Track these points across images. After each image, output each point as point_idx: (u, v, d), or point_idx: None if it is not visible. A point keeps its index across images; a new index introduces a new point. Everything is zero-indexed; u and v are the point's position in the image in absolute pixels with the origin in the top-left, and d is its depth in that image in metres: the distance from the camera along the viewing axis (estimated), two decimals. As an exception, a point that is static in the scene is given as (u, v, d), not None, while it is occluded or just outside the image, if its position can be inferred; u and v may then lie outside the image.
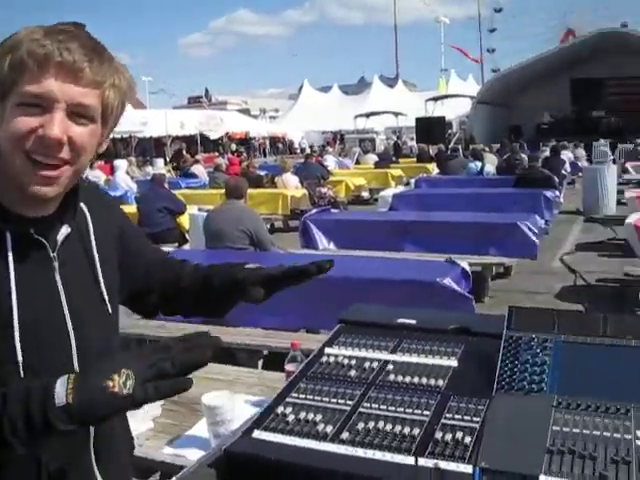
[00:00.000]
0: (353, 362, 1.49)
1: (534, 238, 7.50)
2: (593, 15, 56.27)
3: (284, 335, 4.62)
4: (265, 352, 4.62)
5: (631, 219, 7.30)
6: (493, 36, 59.20)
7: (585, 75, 35.25)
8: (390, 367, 1.45)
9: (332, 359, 1.53)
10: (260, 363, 4.68)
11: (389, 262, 6.03)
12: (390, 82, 63.31)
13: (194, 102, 65.21)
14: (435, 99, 35.17)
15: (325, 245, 8.21)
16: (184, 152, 31.03)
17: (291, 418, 1.25)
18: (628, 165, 16.65)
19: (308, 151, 27.69)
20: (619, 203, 13.75)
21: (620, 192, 14.29)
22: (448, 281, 4.51)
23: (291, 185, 13.59)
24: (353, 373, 1.43)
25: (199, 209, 9.28)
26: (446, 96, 37.82)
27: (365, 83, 73.88)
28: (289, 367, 2.49)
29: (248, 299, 1.50)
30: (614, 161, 21.66)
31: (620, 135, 28.74)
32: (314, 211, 8.86)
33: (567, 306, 7.08)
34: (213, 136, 38.04)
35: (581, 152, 22.20)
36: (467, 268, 5.07)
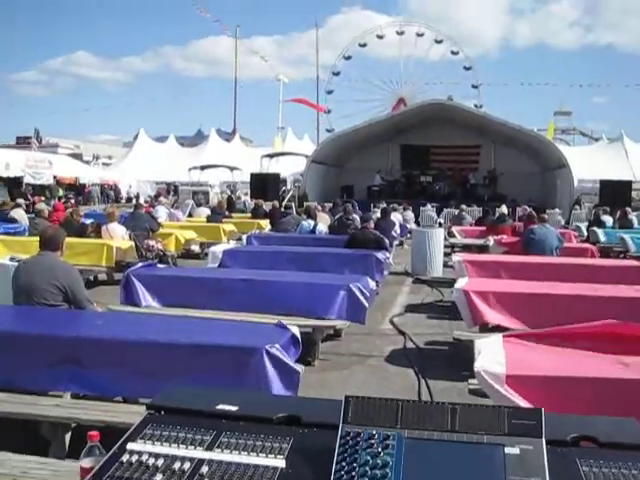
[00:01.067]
0: (160, 462, 1.21)
1: (365, 302, 7.45)
2: (424, 87, 59.47)
3: (96, 406, 4.21)
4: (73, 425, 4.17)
5: (460, 284, 7.49)
6: (330, 97, 61.31)
7: (414, 142, 37.24)
8: (205, 469, 1.19)
9: (135, 458, 1.25)
10: (67, 438, 4.21)
11: (215, 324, 5.70)
12: (227, 136, 63.69)
13: (23, 142, 61.92)
14: (271, 156, 35.68)
15: (149, 302, 7.74)
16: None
17: None
18: (454, 229, 17.46)
19: (135, 201, 26.90)
20: (445, 265, 14.32)
21: (446, 254, 14.95)
22: (277, 349, 4.23)
23: (117, 235, 12.94)
24: (159, 479, 1.16)
25: (11, 258, 8.47)
26: (282, 153, 38.50)
27: (202, 136, 73.91)
28: (85, 463, 2.03)
29: None
30: (440, 224, 22.82)
31: (446, 200, 30.37)
32: (139, 265, 8.37)
33: (397, 369, 7.09)
34: (40, 180, 36.05)
35: (410, 214, 23.15)
36: (297, 334, 4.85)
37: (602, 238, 17.32)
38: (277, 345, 4.31)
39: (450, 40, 59.43)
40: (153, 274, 8.15)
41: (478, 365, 3.99)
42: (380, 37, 58.97)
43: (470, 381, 4.96)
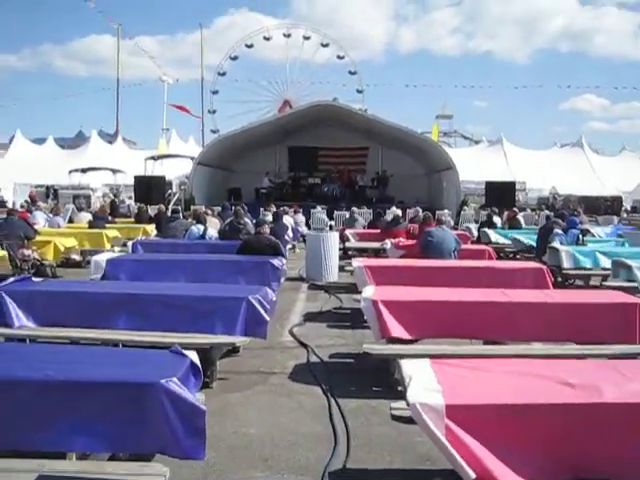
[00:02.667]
0: None
1: (265, 315, 6.82)
2: (309, 90, 59.41)
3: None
4: None
5: (368, 293, 7.00)
6: (215, 98, 60.18)
7: (301, 144, 36.94)
8: None
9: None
10: None
11: (98, 352, 4.90)
12: (109, 138, 61.41)
13: None
14: (155, 158, 34.45)
15: (23, 322, 6.80)
16: None
17: None
18: (347, 232, 17.09)
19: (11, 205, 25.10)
20: (341, 270, 13.91)
21: (340, 258, 14.55)
22: (175, 383, 3.54)
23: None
24: None
25: None
26: (167, 156, 37.30)
27: (83, 137, 70.98)
28: None
29: None
30: (331, 227, 22.49)
31: (335, 202, 30.13)
32: (10, 280, 7.40)
33: (303, 388, 6.52)
34: None
35: (301, 217, 22.70)
36: (196, 360, 4.18)
37: (493, 239, 17.47)
38: (175, 378, 3.61)
39: (336, 44, 59.64)
40: (27, 289, 7.21)
41: (412, 396, 3.46)
42: (267, 39, 58.40)
43: (393, 405, 4.45)
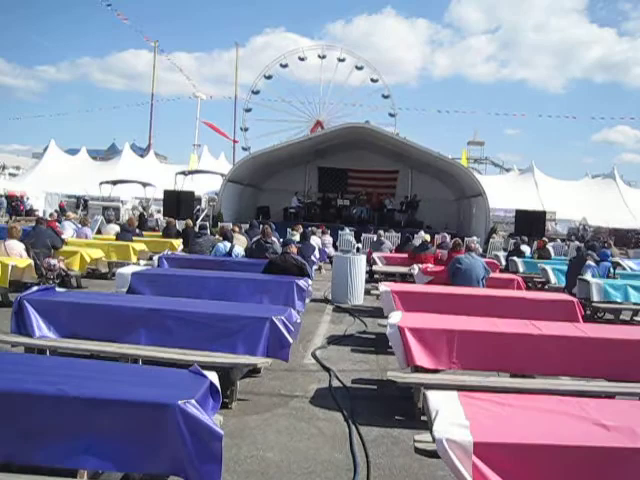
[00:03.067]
0: None
1: (289, 337, 6.69)
2: (342, 112, 59.55)
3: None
4: None
5: (395, 320, 6.84)
6: (248, 116, 60.50)
7: (331, 165, 36.94)
8: None
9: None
10: None
11: (116, 369, 4.76)
12: (141, 152, 62.02)
13: None
14: (185, 173, 34.57)
15: (44, 332, 6.76)
16: None
17: None
18: (375, 256, 16.92)
19: (41, 214, 25.25)
20: (366, 293, 13.76)
21: (366, 281, 14.39)
22: (193, 405, 3.43)
23: (15, 254, 11.77)
24: None
25: None
26: (197, 171, 37.42)
27: (116, 150, 71.89)
28: None
29: None
30: (358, 249, 22.33)
31: (362, 224, 29.97)
32: (34, 289, 7.36)
33: (324, 413, 6.36)
34: None
35: (328, 238, 22.53)
36: (216, 382, 4.06)
37: (521, 268, 17.22)
38: (193, 400, 3.50)
39: (370, 67, 59.63)
40: (49, 300, 7.17)
41: (439, 431, 3.30)
42: (302, 59, 58.58)
43: (417, 437, 4.28)
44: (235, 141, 61.15)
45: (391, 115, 59.04)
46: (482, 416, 3.56)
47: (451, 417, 3.47)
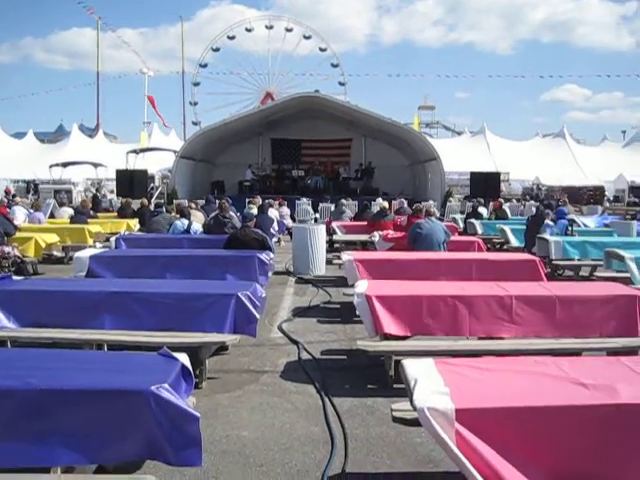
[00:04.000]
0: None
1: (255, 312, 6.62)
2: (292, 82, 59.11)
3: None
4: None
5: (361, 289, 6.79)
6: (197, 90, 59.66)
7: (284, 136, 36.70)
8: None
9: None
10: None
11: (83, 356, 4.63)
12: (90, 132, 60.83)
13: None
14: (137, 151, 34.00)
15: (3, 323, 6.54)
16: None
17: None
18: (334, 225, 16.83)
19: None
20: (328, 263, 13.72)
21: (327, 251, 14.35)
22: (166, 390, 3.32)
23: (-34, 242, 11.45)
24: None
25: None
26: (148, 149, 36.83)
27: (64, 131, 70.35)
28: None
29: None
30: (316, 220, 22.27)
31: (318, 194, 29.85)
32: (-10, 279, 7.17)
33: (296, 387, 6.31)
34: None
35: (286, 210, 22.40)
36: (187, 363, 3.96)
37: (480, 230, 17.36)
38: (166, 384, 3.39)
39: (318, 36, 59.33)
40: (8, 289, 6.96)
41: (419, 400, 3.25)
42: (249, 30, 57.86)
43: (394, 406, 4.25)
44: (167, 126, 59.80)
45: (341, 84, 58.96)
46: (461, 382, 3.53)
47: (430, 385, 3.43)
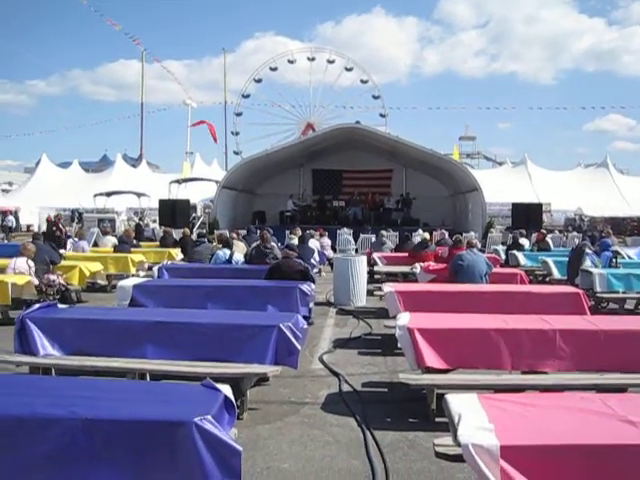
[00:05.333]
0: None
1: (297, 344, 6.61)
2: (333, 113, 59.53)
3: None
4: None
5: (403, 321, 6.75)
6: (239, 120, 60.43)
7: (325, 166, 36.92)
8: None
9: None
10: None
11: (126, 386, 4.68)
12: (134, 162, 61.92)
13: None
14: (179, 181, 34.47)
15: (48, 350, 6.66)
16: None
17: None
18: (375, 256, 16.80)
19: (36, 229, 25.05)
20: (369, 294, 13.69)
21: (368, 282, 14.32)
22: (209, 421, 3.35)
23: (21, 271, 11.72)
24: None
25: None
26: (191, 179, 37.33)
27: (108, 161, 71.82)
28: None
29: None
30: (356, 250, 22.24)
31: (358, 225, 29.87)
32: (36, 307, 7.27)
33: (336, 419, 6.28)
34: None
35: (327, 241, 22.42)
36: (230, 395, 3.98)
37: (522, 262, 17.15)
38: (209, 416, 3.41)
39: (360, 68, 59.68)
40: (52, 317, 7.08)
41: (464, 436, 3.22)
42: (291, 62, 58.54)
43: (437, 441, 4.20)
44: (215, 138, 60.21)
45: (382, 116, 59.07)
46: (505, 418, 3.49)
47: (475, 421, 3.39)
